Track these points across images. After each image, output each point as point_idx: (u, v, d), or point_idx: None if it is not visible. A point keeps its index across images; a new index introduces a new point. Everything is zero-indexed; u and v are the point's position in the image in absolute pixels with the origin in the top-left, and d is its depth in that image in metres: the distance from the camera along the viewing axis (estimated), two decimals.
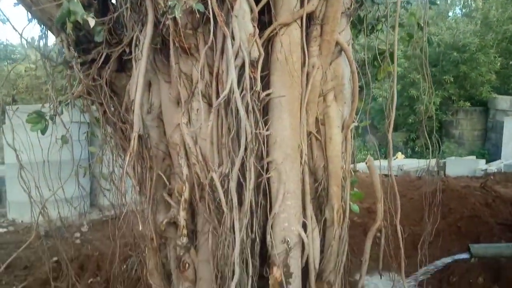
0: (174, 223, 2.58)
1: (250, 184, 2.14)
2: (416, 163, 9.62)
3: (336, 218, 2.59)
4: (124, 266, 3.79)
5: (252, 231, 2.19)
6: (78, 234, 5.23)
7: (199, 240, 2.48)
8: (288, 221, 2.27)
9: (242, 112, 1.96)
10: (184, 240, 2.44)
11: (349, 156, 2.67)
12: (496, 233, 3.57)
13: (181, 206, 2.42)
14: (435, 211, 4.47)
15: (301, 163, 2.39)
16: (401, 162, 10.27)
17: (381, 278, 3.08)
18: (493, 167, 8.33)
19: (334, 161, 2.59)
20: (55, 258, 3.93)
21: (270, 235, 2.26)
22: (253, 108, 2.10)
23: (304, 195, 2.48)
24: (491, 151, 11.17)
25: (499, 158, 10.17)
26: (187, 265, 2.48)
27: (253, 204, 2.21)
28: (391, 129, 2.41)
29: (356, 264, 3.75)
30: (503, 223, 3.73)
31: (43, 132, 2.54)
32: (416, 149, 12.54)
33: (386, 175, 8.37)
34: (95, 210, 6.35)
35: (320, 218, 2.66)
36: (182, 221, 2.42)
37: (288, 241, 2.26)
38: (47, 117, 2.61)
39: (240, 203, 2.23)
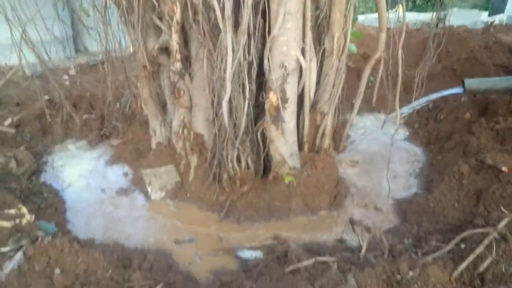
0: (166, 50, 2.46)
1: (249, 1, 1.96)
2: (416, 16, 9.19)
3: (335, 48, 2.49)
4: (118, 105, 3.79)
5: (249, 54, 2.10)
6: (66, 77, 5.12)
7: (193, 67, 2.40)
8: (287, 45, 2.16)
9: None
10: (178, 65, 2.35)
11: None
12: (491, 74, 3.56)
13: (173, 29, 2.26)
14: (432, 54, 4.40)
15: None
16: (401, 15, 9.76)
17: (379, 113, 3.14)
18: (496, 19, 7.99)
19: None
20: (46, 97, 3.89)
21: (268, 59, 2.17)
22: None
23: (305, 20, 2.32)
24: (495, 5, 10.58)
25: (503, 12, 9.70)
26: (182, 91, 2.45)
27: (251, 25, 2.07)
28: None
29: (347, 106, 3.83)
30: (499, 65, 3.70)
31: None
32: (417, 2, 11.82)
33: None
34: (81, 56, 6.12)
35: (319, 49, 2.56)
36: (175, 46, 2.29)
37: (286, 66, 2.19)
38: None
39: (237, 25, 2.09)
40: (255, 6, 2.07)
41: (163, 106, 2.83)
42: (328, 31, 2.49)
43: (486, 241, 1.46)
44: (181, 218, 2.44)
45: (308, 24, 2.36)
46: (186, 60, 2.44)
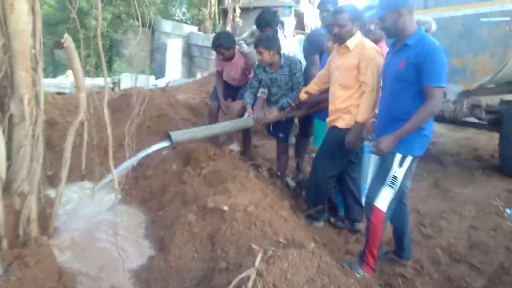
0: None
1: None
2: (89, 81, 9.29)
3: (27, 112, 2.04)
4: None
5: None
6: None
7: None
8: None
9: None
10: None
11: (39, 33, 2.10)
12: (181, 127, 3.95)
13: None
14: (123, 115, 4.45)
15: None
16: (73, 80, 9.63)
17: (83, 181, 2.79)
18: (162, 82, 9.18)
19: (20, 38, 1.97)
20: None
21: None
22: None
23: None
24: (156, 71, 12.21)
25: (164, 76, 11.34)
26: None
27: None
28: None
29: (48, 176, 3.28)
30: (184, 119, 4.18)
31: None
32: (87, 68, 12.00)
33: (59, 93, 7.58)
34: None
35: (3, 115, 2.03)
36: None
37: None
38: None
39: None
40: None
41: None
42: (13, 92, 2.01)
43: (250, 284, 1.48)
44: None
45: None
46: None
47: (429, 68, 2.21)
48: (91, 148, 3.23)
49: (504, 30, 4.03)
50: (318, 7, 3.72)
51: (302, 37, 6.43)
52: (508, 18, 4.00)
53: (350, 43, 2.83)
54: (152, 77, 9.67)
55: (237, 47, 3.79)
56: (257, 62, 3.66)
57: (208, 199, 2.50)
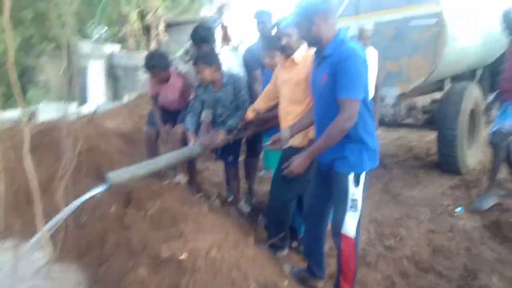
0: None
1: None
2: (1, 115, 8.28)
3: None
4: None
5: None
6: None
7: None
8: None
9: None
10: None
11: None
12: (116, 160, 3.50)
13: None
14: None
15: None
16: None
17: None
18: (86, 109, 8.43)
19: None
20: None
21: None
22: None
23: None
24: (79, 95, 11.29)
25: (86, 101, 10.51)
26: None
27: None
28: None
29: None
30: (119, 151, 3.74)
31: None
32: None
33: None
34: None
35: None
36: None
37: None
38: None
39: None
40: None
41: None
42: None
43: None
44: None
45: None
46: None
47: (341, 78, 2.06)
48: (9, 198, 2.72)
49: (432, 32, 4.17)
50: (255, 17, 3.54)
51: (229, 49, 6.26)
52: (434, 20, 4.14)
53: (297, 55, 2.67)
54: (74, 104, 8.84)
55: (172, 67, 3.47)
56: (196, 82, 3.37)
57: (161, 247, 2.15)
